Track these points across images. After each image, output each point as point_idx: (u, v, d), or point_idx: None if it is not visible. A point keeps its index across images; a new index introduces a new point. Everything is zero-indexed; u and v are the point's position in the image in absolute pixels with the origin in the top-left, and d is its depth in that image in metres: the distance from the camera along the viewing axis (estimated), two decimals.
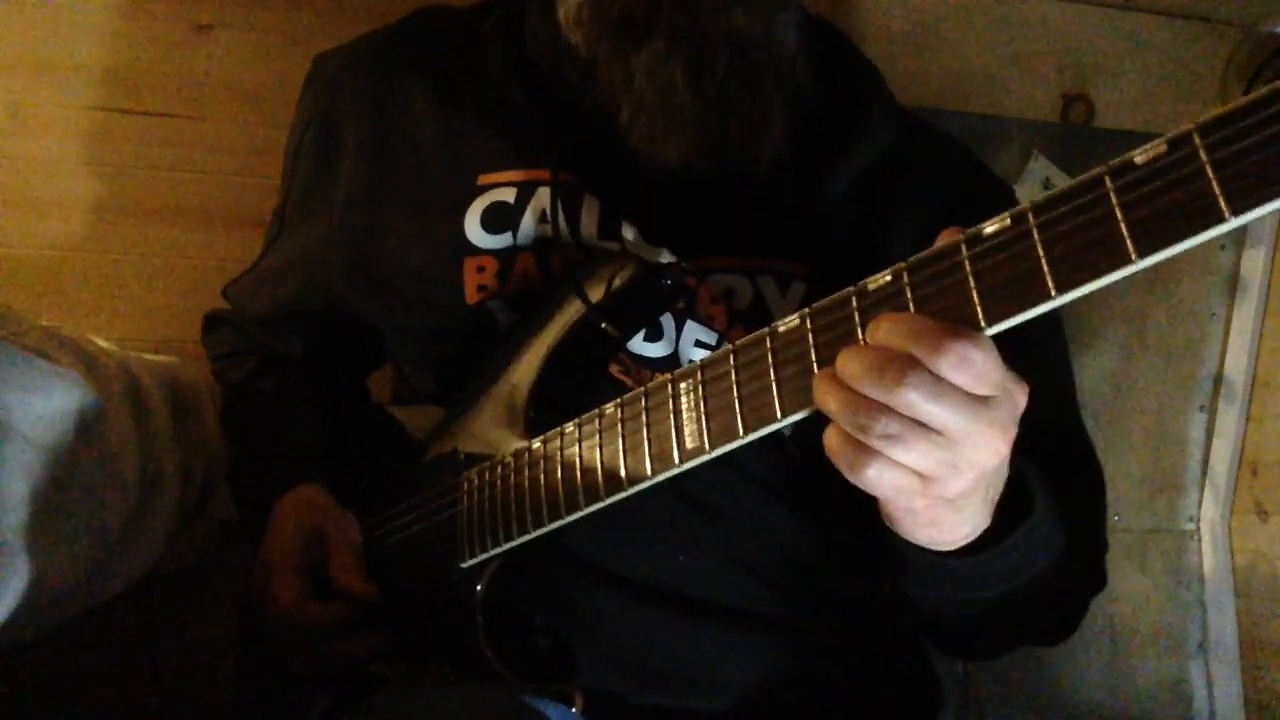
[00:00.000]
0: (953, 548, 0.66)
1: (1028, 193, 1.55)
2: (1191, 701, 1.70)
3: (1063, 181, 1.55)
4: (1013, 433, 0.56)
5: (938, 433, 0.54)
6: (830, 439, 0.57)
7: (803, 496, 0.84)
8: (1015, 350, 0.56)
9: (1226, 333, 1.71)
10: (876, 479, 0.56)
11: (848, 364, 0.55)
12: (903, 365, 0.53)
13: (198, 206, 1.32)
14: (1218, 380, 1.72)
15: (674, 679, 0.80)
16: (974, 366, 0.53)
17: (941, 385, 0.53)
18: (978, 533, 0.65)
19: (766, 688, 0.81)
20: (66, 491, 0.78)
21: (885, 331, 0.54)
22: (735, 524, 0.82)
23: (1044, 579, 0.72)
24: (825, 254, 0.84)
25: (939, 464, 0.55)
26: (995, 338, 0.54)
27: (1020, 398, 0.56)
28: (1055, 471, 0.73)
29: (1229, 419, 1.70)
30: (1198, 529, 1.72)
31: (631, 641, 0.80)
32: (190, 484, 1.03)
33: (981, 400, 0.54)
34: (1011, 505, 0.67)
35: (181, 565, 1.21)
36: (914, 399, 0.53)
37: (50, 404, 0.77)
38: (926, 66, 1.52)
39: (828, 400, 0.56)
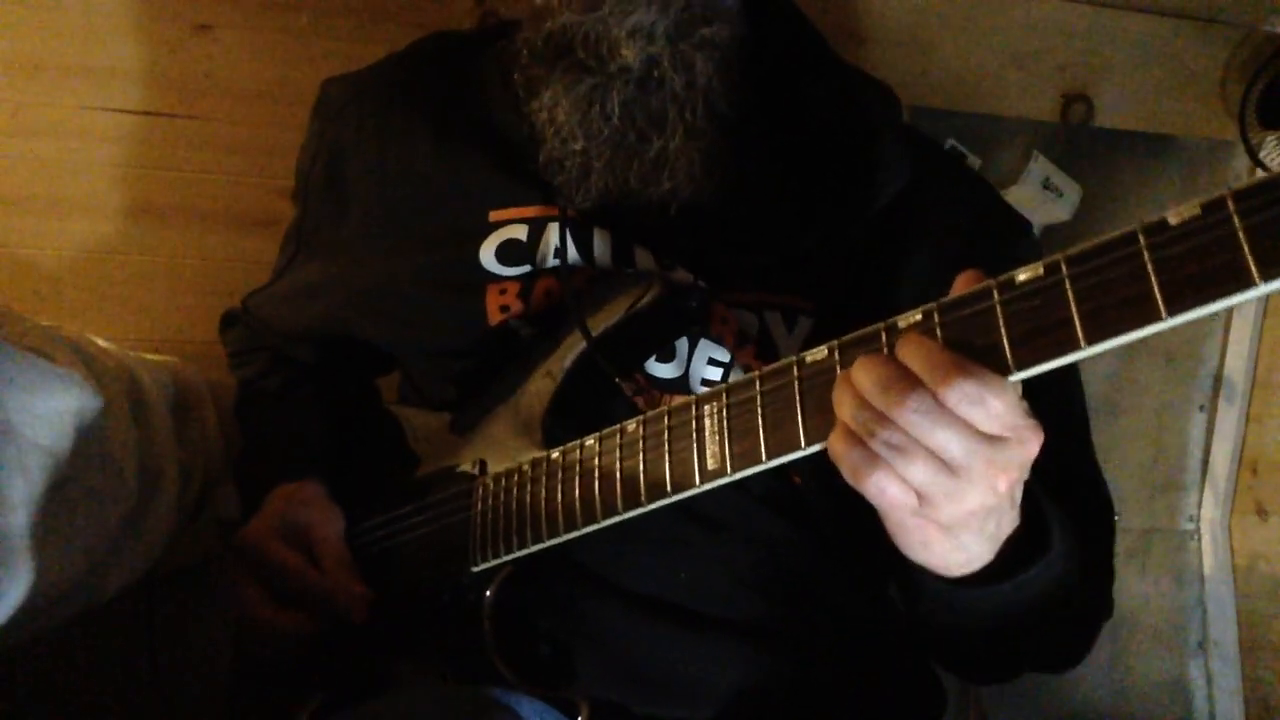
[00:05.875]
0: (948, 574, 0.65)
1: (1028, 193, 1.55)
2: (1191, 701, 1.70)
3: (1062, 181, 1.57)
4: (1015, 476, 0.57)
5: (938, 458, 0.55)
6: (835, 442, 0.58)
7: (805, 513, 0.83)
8: (1030, 379, 0.56)
9: (1226, 333, 1.71)
10: (877, 487, 0.57)
11: (860, 374, 0.56)
12: (906, 386, 0.54)
13: (198, 206, 1.32)
14: (1218, 380, 1.72)
15: (674, 690, 0.80)
16: (984, 407, 0.54)
17: (945, 414, 0.54)
18: (977, 564, 0.65)
19: (768, 700, 0.81)
20: (66, 491, 0.78)
21: (907, 354, 0.56)
22: (738, 539, 0.82)
23: (1051, 614, 0.71)
24: (833, 290, 0.83)
25: (936, 487, 0.56)
26: None
27: (1033, 445, 0.56)
28: (1065, 501, 0.72)
29: (1229, 419, 1.70)
30: (1198, 529, 1.73)
31: (632, 652, 0.80)
32: (190, 484, 1.03)
33: (988, 438, 0.55)
34: (1028, 542, 0.66)
35: (181, 565, 1.21)
36: (914, 420, 0.54)
37: (50, 404, 0.76)
38: (926, 66, 1.52)
39: (844, 401, 0.57)
